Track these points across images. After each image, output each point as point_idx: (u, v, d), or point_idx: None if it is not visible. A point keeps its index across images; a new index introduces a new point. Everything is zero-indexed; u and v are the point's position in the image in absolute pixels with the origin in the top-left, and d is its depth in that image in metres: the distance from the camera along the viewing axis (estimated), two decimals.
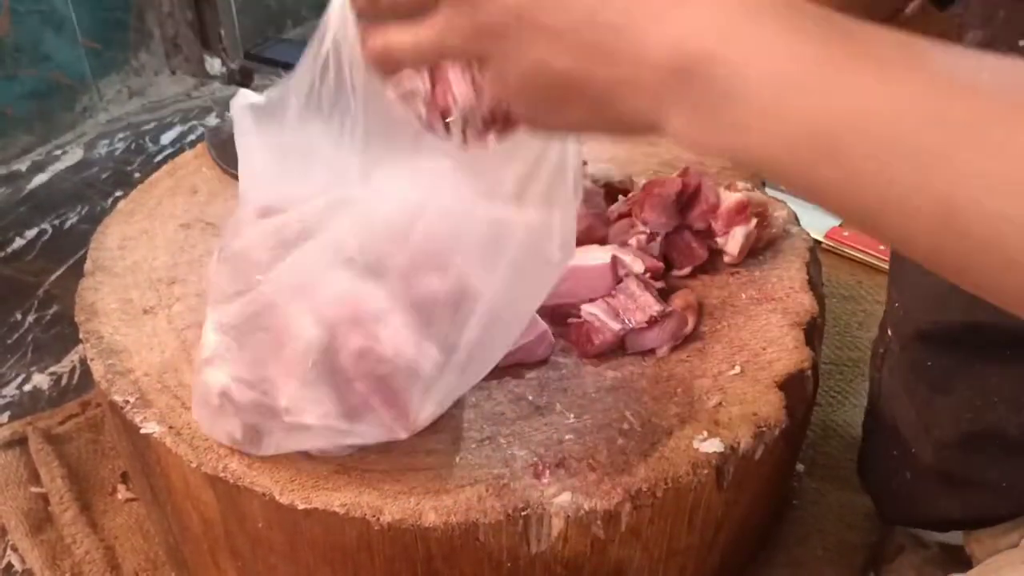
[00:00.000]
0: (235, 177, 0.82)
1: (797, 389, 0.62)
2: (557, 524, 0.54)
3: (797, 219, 0.78)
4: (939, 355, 0.52)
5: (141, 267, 0.72)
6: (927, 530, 0.63)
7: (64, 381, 0.88)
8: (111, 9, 1.29)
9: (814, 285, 0.71)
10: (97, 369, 0.63)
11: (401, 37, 0.40)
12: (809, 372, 0.63)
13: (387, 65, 0.43)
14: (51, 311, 0.97)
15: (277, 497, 0.54)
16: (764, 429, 0.58)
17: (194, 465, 0.56)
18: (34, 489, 0.73)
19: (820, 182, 0.31)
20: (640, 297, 0.65)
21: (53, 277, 1.01)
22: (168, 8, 1.35)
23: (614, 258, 0.66)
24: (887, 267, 0.95)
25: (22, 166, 1.21)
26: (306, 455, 0.56)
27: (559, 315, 0.65)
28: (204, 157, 0.86)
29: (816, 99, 0.30)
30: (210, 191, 0.82)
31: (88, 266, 0.72)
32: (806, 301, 0.68)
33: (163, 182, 0.83)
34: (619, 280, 0.66)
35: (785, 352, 0.64)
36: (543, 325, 0.63)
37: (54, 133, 1.26)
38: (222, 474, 0.55)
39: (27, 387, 0.87)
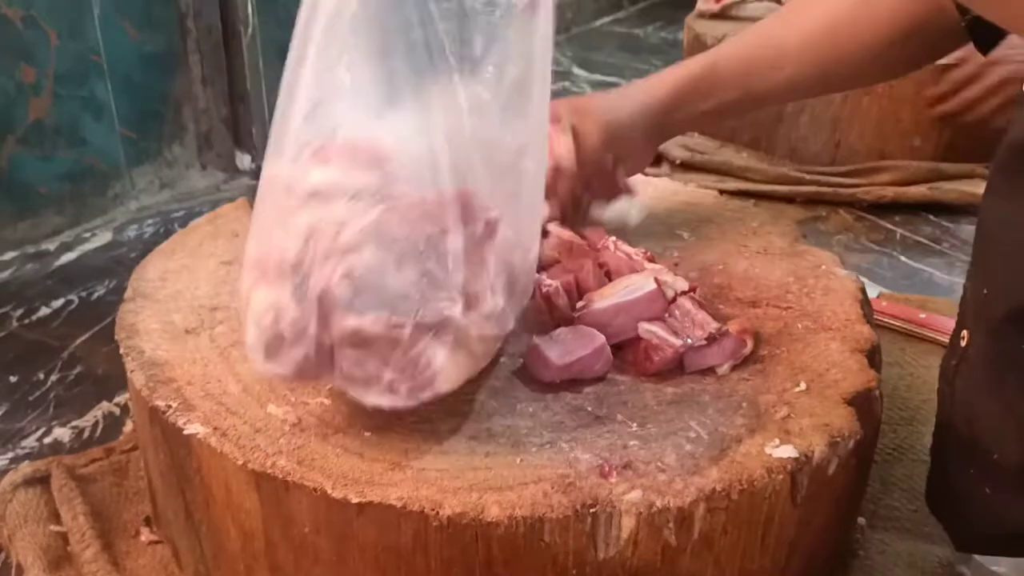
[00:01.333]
0: None
1: (866, 407, 0.59)
2: (628, 524, 0.50)
3: (841, 263, 0.77)
4: None
5: (183, 295, 0.71)
6: (1008, 555, 0.59)
7: (86, 435, 0.85)
8: (150, 101, 1.33)
9: (868, 320, 0.69)
10: (137, 379, 0.61)
11: None
12: (877, 392, 0.61)
13: None
14: (75, 371, 0.94)
15: (330, 491, 0.50)
16: (838, 439, 0.56)
17: (240, 463, 0.53)
18: (54, 527, 0.69)
19: None
20: (697, 315, 0.63)
21: (78, 341, 1.00)
22: (204, 104, 1.39)
23: (658, 280, 0.65)
24: (928, 335, 0.95)
25: (51, 245, 1.22)
26: (359, 454, 0.53)
27: (615, 348, 0.63)
28: (244, 208, 0.86)
29: None
30: None
31: (128, 293, 0.71)
32: (865, 331, 0.67)
33: (203, 228, 0.83)
34: (670, 301, 0.65)
35: (850, 373, 0.62)
36: (601, 338, 0.61)
37: (85, 216, 1.27)
38: (270, 471, 0.52)
39: (47, 439, 0.84)
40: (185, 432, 0.55)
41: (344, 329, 0.50)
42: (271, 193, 0.53)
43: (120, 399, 0.89)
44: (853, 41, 0.73)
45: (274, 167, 0.53)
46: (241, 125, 1.43)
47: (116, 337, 0.65)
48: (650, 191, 0.92)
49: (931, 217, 1.24)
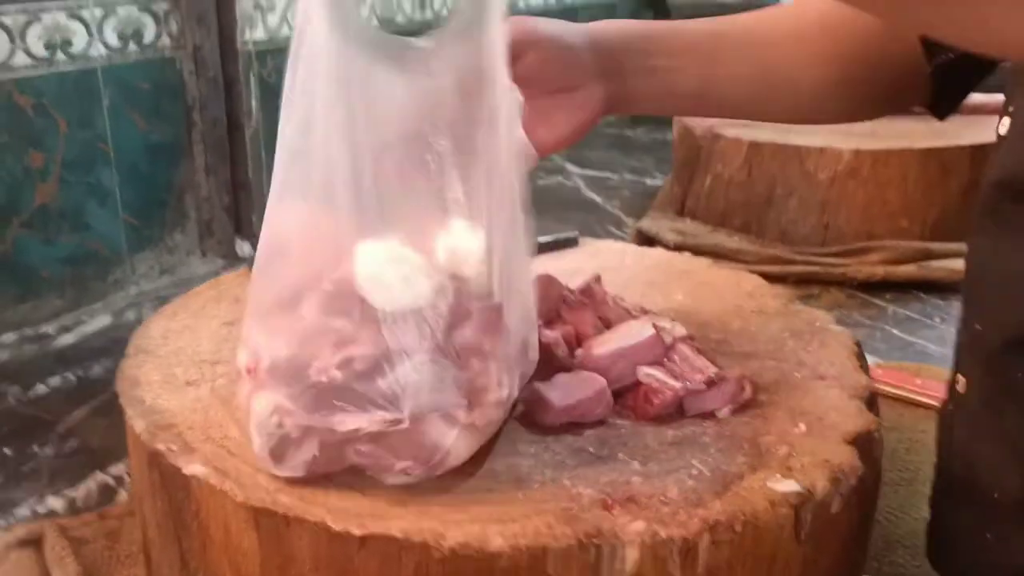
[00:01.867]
0: None
1: (866, 448, 0.59)
2: (632, 556, 0.50)
3: (835, 321, 0.78)
4: None
5: (184, 351, 0.71)
6: None
7: (80, 503, 0.84)
8: (154, 189, 1.36)
9: (865, 370, 0.70)
10: (137, 425, 0.60)
11: None
12: (877, 435, 0.61)
13: None
14: (69, 444, 0.94)
15: (331, 525, 0.50)
16: (840, 476, 0.55)
17: (240, 499, 0.52)
18: None
19: None
20: (696, 360, 0.64)
21: (74, 416, 0.99)
22: (206, 193, 1.42)
23: (656, 326, 0.66)
24: (925, 400, 0.95)
25: (50, 328, 1.22)
26: (361, 491, 0.53)
27: (614, 394, 0.64)
28: (246, 276, 0.87)
29: None
30: None
31: (130, 350, 0.72)
32: (862, 379, 0.67)
33: (206, 293, 0.84)
34: (669, 347, 0.65)
35: (849, 417, 0.62)
36: (601, 381, 0.62)
37: (85, 300, 1.28)
38: (271, 506, 0.52)
39: (40, 508, 0.82)
40: (185, 472, 0.55)
41: (345, 430, 0.51)
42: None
43: (114, 470, 0.88)
44: (818, 48, 0.70)
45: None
46: (242, 213, 1.46)
47: (117, 388, 0.66)
48: (646, 261, 0.94)
49: (921, 295, 1.26)
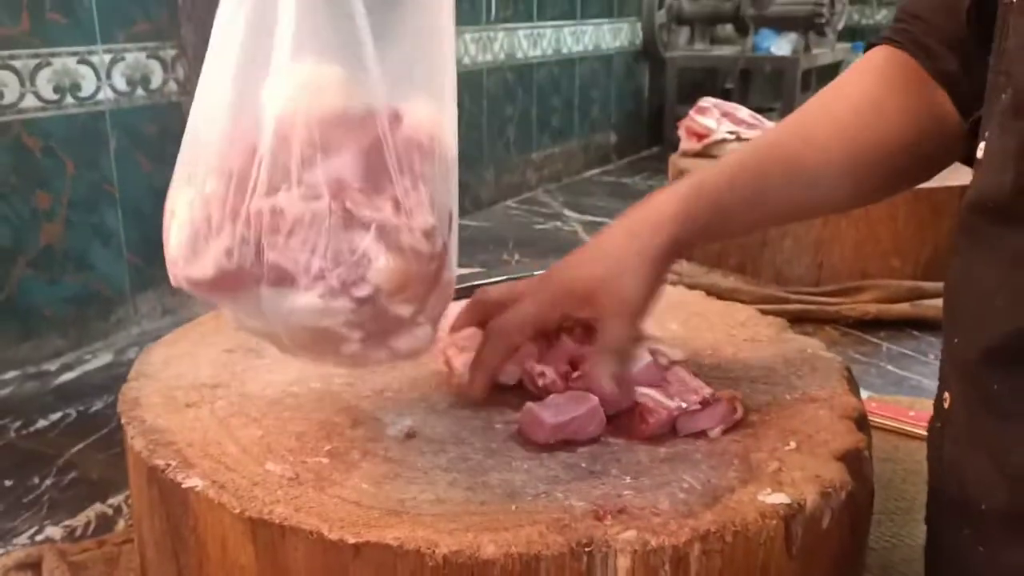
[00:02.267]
0: None
1: (856, 465, 0.60)
2: (623, 564, 0.50)
3: (825, 348, 0.80)
4: (1006, 375, 0.52)
5: (185, 376, 0.73)
6: None
7: (78, 533, 0.84)
8: (157, 230, 1.37)
9: (855, 393, 0.71)
10: (137, 443, 0.61)
11: None
12: (867, 453, 0.62)
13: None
14: (69, 476, 0.94)
15: (327, 534, 0.51)
16: (830, 491, 0.56)
17: (237, 511, 0.53)
18: None
19: None
20: (691, 382, 0.65)
21: (74, 450, 1.00)
22: None
23: (653, 351, 0.67)
24: (919, 432, 0.96)
25: (52, 366, 1.23)
26: (356, 503, 0.54)
27: (608, 418, 0.65)
28: None
29: None
30: None
31: (132, 375, 0.73)
32: (852, 401, 0.68)
33: (207, 323, 0.85)
34: (665, 369, 0.67)
35: (839, 435, 0.63)
36: (594, 399, 0.63)
37: (86, 339, 1.29)
38: (267, 517, 0.52)
39: (39, 536, 0.83)
40: (184, 486, 0.56)
41: (263, 208, 0.48)
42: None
43: (114, 500, 0.89)
44: (872, 152, 0.71)
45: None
46: None
47: (118, 409, 0.67)
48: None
49: (915, 332, 1.27)
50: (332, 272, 0.49)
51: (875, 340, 1.25)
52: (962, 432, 0.57)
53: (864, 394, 1.05)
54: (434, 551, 0.49)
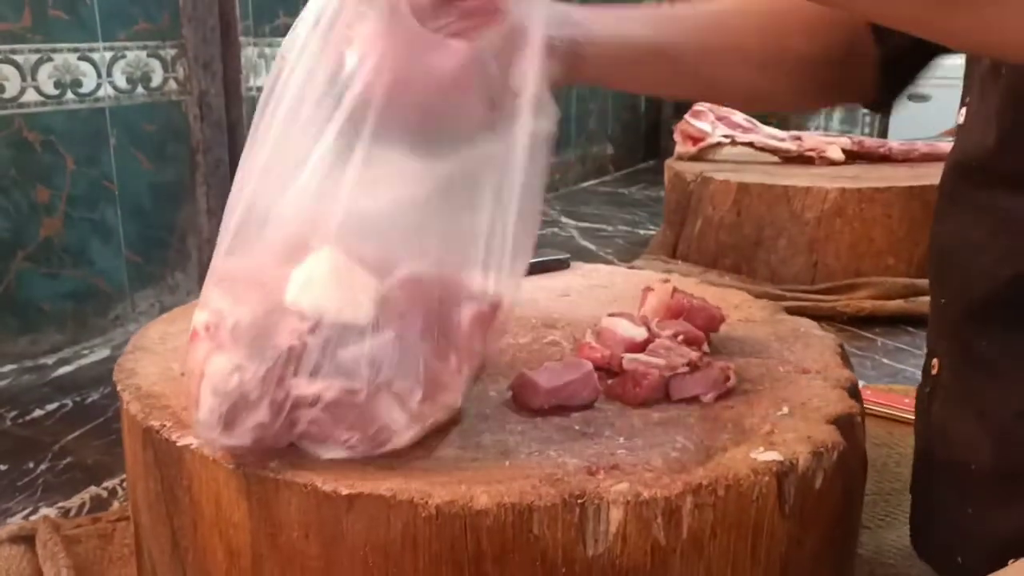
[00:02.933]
0: None
1: (848, 428, 0.61)
2: (616, 516, 0.50)
3: (819, 326, 0.80)
4: (991, 331, 0.52)
5: (181, 350, 0.73)
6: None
7: (73, 513, 0.84)
8: (157, 228, 1.39)
9: (848, 366, 0.71)
10: (133, 407, 0.62)
11: None
12: (859, 419, 0.63)
13: None
14: (64, 462, 0.94)
15: (320, 486, 0.51)
16: (822, 450, 0.57)
17: (232, 466, 0.53)
18: None
19: None
20: (678, 348, 0.66)
21: (69, 438, 1.00)
22: (208, 235, 1.45)
23: (643, 318, 0.68)
24: (913, 419, 0.96)
25: (49, 360, 1.24)
26: (350, 460, 0.54)
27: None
28: None
29: None
30: None
31: (128, 348, 0.73)
32: (845, 373, 0.69)
33: None
34: (650, 339, 0.67)
35: (831, 402, 0.63)
36: (588, 365, 0.63)
37: (84, 335, 1.30)
38: (261, 471, 0.53)
39: (33, 517, 0.83)
40: (179, 444, 0.56)
41: (302, 394, 0.51)
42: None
43: (109, 484, 0.89)
44: (778, 36, 0.70)
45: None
46: None
47: (114, 378, 0.67)
48: (634, 280, 0.96)
49: (909, 328, 1.27)
50: (357, 443, 0.53)
51: (870, 335, 1.25)
52: (950, 394, 0.58)
53: (859, 383, 1.05)
54: (427, 501, 0.50)
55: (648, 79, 0.72)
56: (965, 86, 0.59)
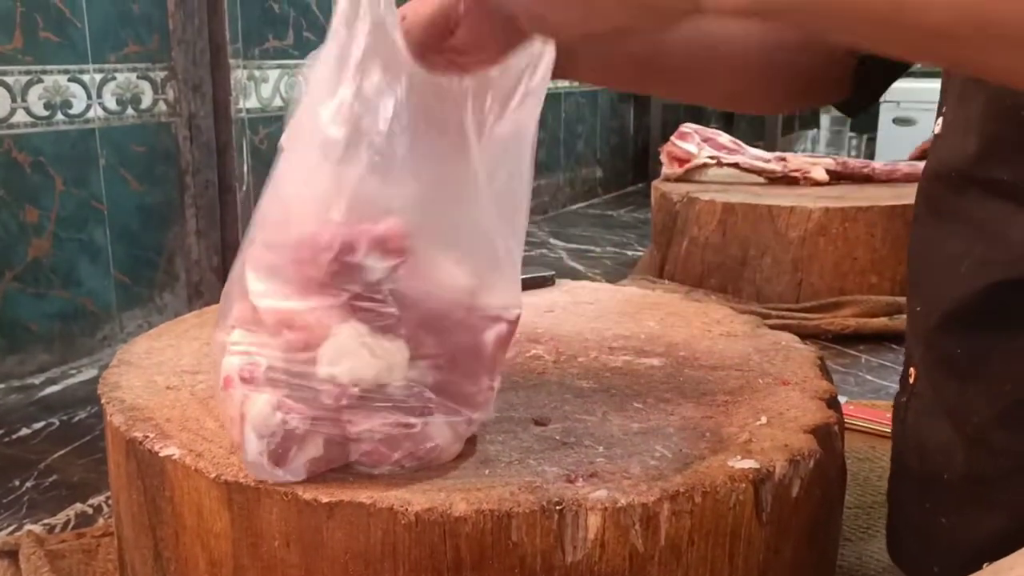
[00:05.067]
0: None
1: (826, 438, 0.61)
2: (594, 522, 0.51)
3: (800, 340, 0.81)
4: (966, 337, 0.53)
5: (166, 364, 0.73)
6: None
7: (58, 530, 0.84)
8: (145, 249, 1.39)
9: (828, 378, 0.72)
10: (116, 420, 0.62)
11: None
12: (836, 429, 0.63)
13: None
14: (50, 479, 0.94)
15: (300, 494, 0.51)
16: (799, 459, 0.57)
17: (213, 476, 0.54)
18: None
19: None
20: None
21: (55, 456, 1.00)
22: (196, 256, 1.46)
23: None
24: None
25: (37, 380, 1.24)
26: (330, 469, 0.54)
27: None
28: None
29: None
30: None
31: (114, 363, 0.73)
32: (824, 384, 0.70)
33: (190, 320, 0.86)
34: None
35: (809, 412, 0.64)
36: None
37: (72, 355, 1.30)
38: (243, 480, 0.53)
39: (18, 533, 0.83)
40: (161, 455, 0.56)
41: (358, 431, 0.53)
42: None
43: (94, 501, 0.89)
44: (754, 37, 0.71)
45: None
46: None
47: (98, 391, 0.67)
48: (619, 296, 0.97)
49: (893, 345, 1.28)
50: (408, 461, 0.55)
51: (854, 352, 1.26)
52: (925, 403, 0.59)
53: (842, 399, 1.06)
54: (406, 509, 0.50)
55: (633, 81, 0.74)
56: (941, 97, 0.61)
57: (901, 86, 3.04)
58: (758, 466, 0.55)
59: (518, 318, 0.58)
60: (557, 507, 0.51)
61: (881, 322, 1.30)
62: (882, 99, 3.15)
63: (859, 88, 0.70)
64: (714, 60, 0.71)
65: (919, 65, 0.61)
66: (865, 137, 2.99)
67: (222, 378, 0.54)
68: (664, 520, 0.52)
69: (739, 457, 0.56)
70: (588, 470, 0.54)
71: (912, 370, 0.62)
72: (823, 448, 0.60)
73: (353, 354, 0.52)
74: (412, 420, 0.53)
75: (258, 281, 0.53)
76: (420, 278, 0.54)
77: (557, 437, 0.60)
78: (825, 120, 3.10)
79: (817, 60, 0.71)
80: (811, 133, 3.10)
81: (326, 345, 0.52)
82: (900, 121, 2.94)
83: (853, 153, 2.88)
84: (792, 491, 0.57)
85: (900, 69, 0.70)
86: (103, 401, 0.66)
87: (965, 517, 0.56)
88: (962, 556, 0.57)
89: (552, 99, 2.50)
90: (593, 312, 0.90)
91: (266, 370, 0.52)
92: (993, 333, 0.52)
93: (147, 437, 0.59)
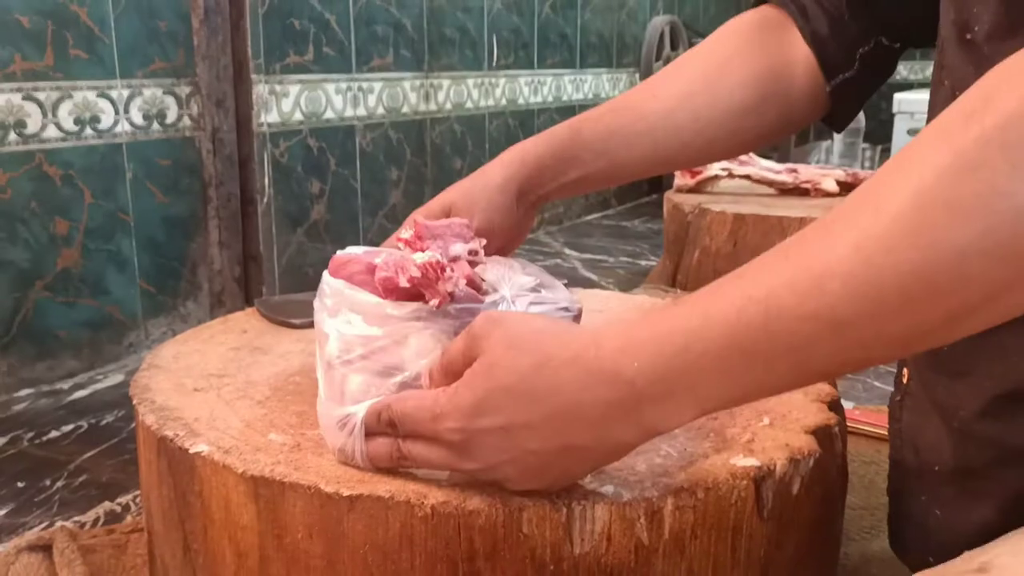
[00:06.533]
0: (283, 325, 0.89)
1: (827, 440, 0.64)
2: (601, 516, 0.54)
3: None
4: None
5: (194, 367, 0.77)
6: None
7: (88, 527, 0.87)
8: (170, 259, 1.43)
9: (831, 382, 0.75)
10: (148, 419, 0.65)
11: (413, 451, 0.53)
12: (837, 430, 0.66)
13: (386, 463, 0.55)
14: (79, 479, 0.98)
15: (323, 488, 0.54)
16: (799, 458, 0.60)
17: (240, 471, 0.57)
18: None
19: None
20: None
21: (84, 457, 1.03)
22: (219, 266, 1.50)
23: None
24: None
25: (65, 385, 1.27)
26: (351, 466, 0.57)
27: None
28: (254, 314, 0.93)
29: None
30: (259, 331, 0.88)
31: (143, 366, 0.77)
32: (826, 388, 0.72)
33: (215, 326, 0.90)
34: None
35: (811, 413, 0.66)
36: None
37: (99, 362, 1.34)
38: (268, 474, 0.56)
39: (51, 529, 0.86)
40: (191, 451, 0.60)
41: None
42: None
43: (122, 499, 0.92)
44: (711, 110, 0.75)
45: None
46: (252, 285, 1.52)
47: (130, 393, 0.71)
48: (628, 304, 1.00)
49: None
50: None
51: None
52: (917, 401, 0.61)
53: (849, 404, 1.08)
54: (423, 502, 0.53)
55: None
56: (929, 113, 0.63)
57: (916, 97, 3.04)
58: (759, 464, 0.58)
59: (580, 312, 0.64)
60: (565, 501, 0.53)
61: None
62: (896, 110, 3.17)
63: (836, 109, 0.75)
64: (698, 149, 0.78)
65: (931, 76, 0.64)
66: (880, 148, 3.00)
67: (323, 361, 0.59)
68: (668, 514, 0.55)
69: (741, 456, 0.59)
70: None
71: (905, 370, 0.64)
72: (823, 448, 0.62)
73: (433, 353, 0.57)
74: None
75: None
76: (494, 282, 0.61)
77: None
78: None
79: (793, 92, 0.75)
80: (825, 144, 3.12)
81: (408, 347, 0.57)
82: (915, 132, 2.95)
83: (867, 164, 2.90)
84: (792, 488, 0.60)
85: (870, 90, 0.74)
86: (135, 402, 0.69)
87: (956, 508, 0.58)
88: (954, 548, 0.59)
89: (567, 111, 2.53)
90: (603, 319, 0.92)
91: (361, 354, 0.57)
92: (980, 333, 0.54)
93: (177, 435, 0.62)
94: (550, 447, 0.49)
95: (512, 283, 0.64)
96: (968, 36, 0.53)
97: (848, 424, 1.04)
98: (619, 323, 0.49)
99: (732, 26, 0.79)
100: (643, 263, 1.96)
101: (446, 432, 0.51)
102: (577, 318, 0.64)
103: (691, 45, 3.04)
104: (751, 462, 0.58)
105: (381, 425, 0.55)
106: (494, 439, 0.50)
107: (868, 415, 1.02)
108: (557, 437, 0.49)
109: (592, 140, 0.77)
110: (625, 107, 0.78)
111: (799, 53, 0.75)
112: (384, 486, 0.54)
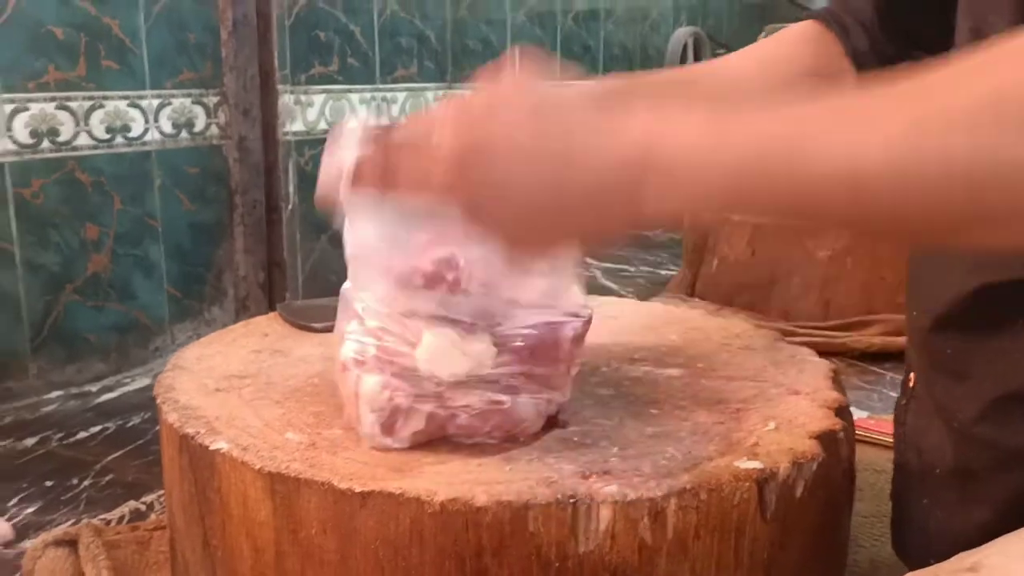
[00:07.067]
0: (304, 329, 0.91)
1: (831, 445, 0.65)
2: (605, 515, 0.55)
3: (816, 354, 0.84)
4: (955, 338, 0.56)
5: (216, 369, 0.79)
6: None
7: (113, 524, 0.89)
8: (196, 265, 1.46)
9: (839, 389, 0.75)
10: (171, 417, 0.68)
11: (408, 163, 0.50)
12: (842, 436, 0.67)
13: (384, 180, 0.53)
14: (106, 479, 1.00)
15: (336, 484, 0.56)
16: (802, 461, 0.61)
17: (258, 467, 0.59)
18: None
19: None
20: None
21: (111, 457, 1.06)
22: (244, 272, 1.53)
23: None
24: None
25: (93, 387, 1.31)
26: (364, 463, 0.59)
27: None
28: (275, 318, 0.95)
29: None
30: (280, 335, 0.90)
31: (167, 367, 0.79)
32: (834, 395, 0.73)
33: (237, 329, 0.92)
34: None
35: (816, 420, 0.67)
36: None
37: (126, 366, 1.37)
38: (284, 471, 0.58)
39: (77, 525, 0.89)
40: (211, 448, 0.62)
41: (457, 406, 0.61)
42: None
43: (147, 499, 0.95)
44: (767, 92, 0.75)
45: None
46: (276, 290, 1.55)
47: (154, 392, 0.73)
48: (643, 311, 1.01)
49: None
50: (498, 435, 0.63)
51: (879, 370, 1.29)
52: (922, 404, 0.62)
53: (863, 414, 1.09)
54: (433, 499, 0.55)
55: None
56: None
57: None
58: (762, 466, 0.59)
59: (591, 318, 0.67)
60: (571, 500, 0.55)
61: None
62: None
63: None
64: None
65: None
66: None
67: (339, 363, 0.63)
68: (671, 514, 0.56)
69: (745, 459, 0.60)
70: (602, 468, 0.59)
71: (912, 375, 0.65)
72: (827, 453, 0.63)
73: (446, 354, 0.60)
74: (502, 398, 0.62)
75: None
76: (508, 286, 0.63)
77: (575, 439, 0.64)
78: None
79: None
80: None
81: (420, 348, 0.61)
82: None
83: None
84: (796, 491, 0.61)
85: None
86: (159, 401, 0.72)
87: (956, 511, 0.59)
88: (953, 548, 0.60)
89: None
90: (617, 326, 0.94)
91: (375, 355, 0.61)
92: (978, 333, 0.55)
93: (198, 433, 0.64)
94: (543, 183, 0.46)
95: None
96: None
97: (860, 433, 1.05)
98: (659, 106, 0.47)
99: (779, 35, 0.80)
100: (663, 272, 1.98)
101: (441, 142, 0.47)
102: (586, 324, 0.66)
103: (714, 56, 3.05)
104: (754, 465, 0.59)
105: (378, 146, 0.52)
106: (487, 160, 0.46)
107: (881, 424, 1.03)
108: (552, 174, 0.46)
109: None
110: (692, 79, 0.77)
111: (844, 66, 0.76)
112: (395, 483, 0.56)
